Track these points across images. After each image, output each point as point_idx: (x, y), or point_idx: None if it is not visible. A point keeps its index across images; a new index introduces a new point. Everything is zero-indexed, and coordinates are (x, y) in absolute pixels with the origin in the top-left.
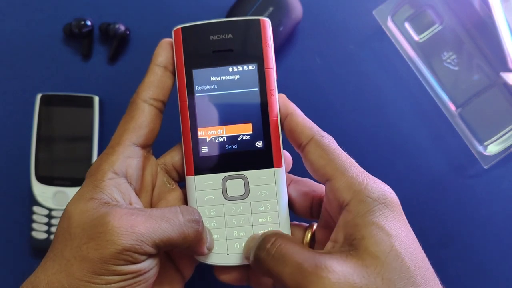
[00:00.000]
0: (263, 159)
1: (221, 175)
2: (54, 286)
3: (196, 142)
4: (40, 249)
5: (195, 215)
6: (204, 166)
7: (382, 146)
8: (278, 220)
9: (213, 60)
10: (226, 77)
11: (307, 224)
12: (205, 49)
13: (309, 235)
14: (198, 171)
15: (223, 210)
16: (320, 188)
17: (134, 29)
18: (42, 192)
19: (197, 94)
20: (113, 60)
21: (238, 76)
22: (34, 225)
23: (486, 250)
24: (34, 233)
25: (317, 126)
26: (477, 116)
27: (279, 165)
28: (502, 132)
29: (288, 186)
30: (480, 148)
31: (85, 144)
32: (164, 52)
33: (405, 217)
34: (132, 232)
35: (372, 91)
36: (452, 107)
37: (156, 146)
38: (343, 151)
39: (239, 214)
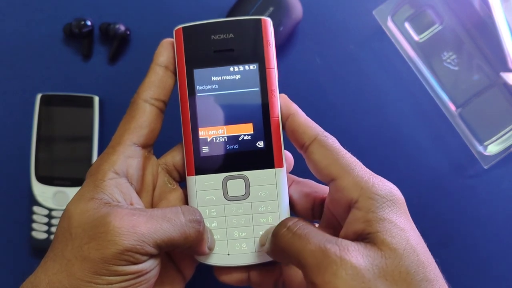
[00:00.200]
0: (264, 159)
1: (221, 175)
2: (54, 286)
3: (197, 142)
4: (40, 249)
5: (197, 215)
6: (205, 166)
7: (382, 146)
8: (279, 220)
9: (214, 59)
10: (227, 77)
11: None
12: (206, 49)
13: None
14: (199, 171)
15: (224, 210)
16: (322, 189)
17: (134, 29)
18: (42, 192)
19: (198, 94)
20: (113, 60)
21: (239, 76)
22: (34, 225)
23: (486, 250)
24: (34, 233)
25: (319, 127)
26: (477, 116)
27: (280, 166)
28: (502, 132)
29: (289, 186)
30: (480, 148)
31: (85, 144)
32: (165, 51)
33: (409, 215)
34: (134, 232)
35: (372, 91)
36: (452, 107)
37: (157, 146)
38: (346, 151)
39: (239, 214)
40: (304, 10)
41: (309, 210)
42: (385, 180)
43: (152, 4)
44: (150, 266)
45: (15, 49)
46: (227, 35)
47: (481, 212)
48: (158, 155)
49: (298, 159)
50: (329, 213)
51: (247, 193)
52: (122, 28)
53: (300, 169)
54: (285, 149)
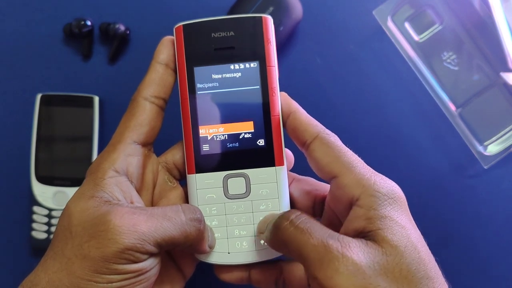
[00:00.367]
0: (265, 158)
1: (222, 174)
2: (55, 284)
3: (197, 140)
4: (40, 249)
5: (197, 213)
6: (205, 164)
7: (382, 146)
8: None
9: (215, 57)
10: (227, 75)
11: None
12: (207, 47)
13: None
14: (199, 169)
15: (224, 208)
16: (323, 186)
17: (134, 29)
18: (42, 192)
19: (198, 92)
20: (113, 60)
21: (239, 74)
22: (34, 225)
23: (486, 249)
24: (34, 233)
25: (321, 124)
26: (477, 116)
27: (281, 164)
28: (502, 132)
29: (290, 184)
30: (480, 148)
31: (85, 144)
32: (166, 49)
33: (410, 213)
34: (134, 231)
35: (372, 91)
36: (452, 107)
37: (157, 144)
38: (348, 149)
39: (240, 212)
40: (304, 10)
41: (310, 208)
42: (387, 178)
43: (152, 4)
44: (150, 264)
45: (15, 49)
46: (228, 33)
47: (481, 212)
48: (158, 153)
49: (298, 157)
50: (329, 211)
51: (248, 191)
52: (122, 28)
53: (300, 167)
54: (285, 147)
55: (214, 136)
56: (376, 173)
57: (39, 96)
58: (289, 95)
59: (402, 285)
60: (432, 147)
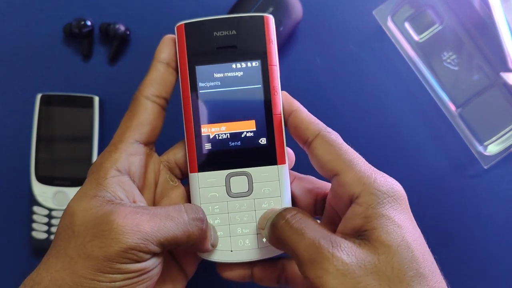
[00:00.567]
0: (267, 156)
1: (224, 172)
2: (57, 283)
3: (199, 139)
4: (40, 249)
5: (200, 213)
6: (208, 163)
7: (382, 146)
8: None
9: (217, 56)
10: (229, 74)
11: None
12: (209, 46)
13: None
14: (202, 168)
15: (227, 207)
16: (324, 185)
17: (134, 29)
18: (42, 192)
19: (200, 91)
20: (113, 60)
21: (241, 73)
22: (34, 225)
23: (486, 249)
24: (34, 233)
25: (322, 123)
26: (477, 116)
27: (283, 162)
28: (502, 132)
29: (291, 183)
30: (480, 148)
31: (85, 144)
32: (167, 48)
33: (411, 212)
34: (137, 230)
35: (372, 91)
36: (452, 107)
37: (158, 143)
38: (349, 146)
39: (242, 211)
40: (304, 10)
41: (311, 206)
42: (388, 176)
43: (152, 4)
44: (153, 264)
45: (15, 49)
46: (230, 31)
47: (481, 212)
48: (159, 152)
49: (299, 156)
50: (330, 209)
51: (250, 189)
52: (122, 28)
53: (301, 166)
54: (286, 146)
55: (216, 135)
56: (377, 171)
57: (39, 96)
58: (289, 94)
59: (394, 283)
60: (432, 147)
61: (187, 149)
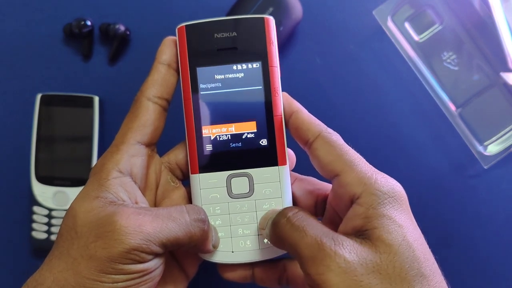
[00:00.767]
0: (268, 157)
1: (225, 173)
2: (60, 283)
3: (200, 140)
4: (40, 249)
5: (201, 214)
6: (209, 164)
7: (382, 146)
8: None
9: (218, 58)
10: (230, 75)
11: None
12: (210, 47)
13: None
14: (203, 169)
15: (228, 208)
16: (325, 186)
17: (134, 29)
18: (42, 192)
19: (201, 92)
20: (113, 60)
21: (242, 74)
22: (34, 225)
23: (487, 250)
24: (34, 233)
25: (323, 123)
26: (477, 116)
27: (284, 163)
28: (502, 132)
29: (292, 184)
30: (480, 148)
31: (85, 144)
32: (168, 49)
33: (411, 212)
34: (140, 231)
35: (372, 91)
36: (452, 107)
37: (159, 144)
38: (350, 147)
39: (243, 212)
40: (304, 10)
41: (312, 207)
42: (388, 177)
43: (152, 4)
44: (155, 265)
45: (15, 49)
46: (231, 33)
47: (481, 212)
48: (160, 154)
49: (300, 157)
50: (331, 210)
51: (251, 190)
52: (122, 28)
53: (302, 167)
54: (287, 147)
55: (217, 136)
56: (378, 171)
57: (39, 96)
58: (289, 95)
59: (395, 282)
60: (432, 147)
61: (188, 150)
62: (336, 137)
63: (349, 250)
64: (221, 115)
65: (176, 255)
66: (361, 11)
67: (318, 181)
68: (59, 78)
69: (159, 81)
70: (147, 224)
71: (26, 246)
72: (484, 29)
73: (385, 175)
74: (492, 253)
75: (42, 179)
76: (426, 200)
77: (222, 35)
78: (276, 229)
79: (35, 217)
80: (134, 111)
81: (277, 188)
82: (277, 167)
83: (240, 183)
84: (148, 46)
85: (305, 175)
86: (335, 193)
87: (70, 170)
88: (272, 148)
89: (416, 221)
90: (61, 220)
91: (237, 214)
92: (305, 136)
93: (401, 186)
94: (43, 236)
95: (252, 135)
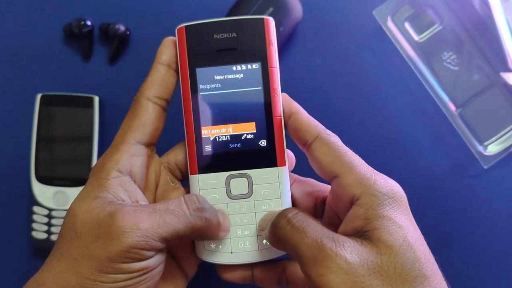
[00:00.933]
0: (267, 158)
1: (225, 174)
2: (60, 284)
3: (199, 141)
4: (40, 249)
5: (200, 203)
6: (208, 165)
7: (382, 146)
8: None
9: (217, 58)
10: (229, 76)
11: None
12: (209, 48)
13: None
14: (202, 170)
15: (227, 208)
16: (324, 187)
17: (134, 29)
18: (42, 192)
19: (200, 93)
20: (113, 60)
21: (241, 75)
22: (34, 225)
23: (487, 250)
24: (34, 233)
25: (321, 125)
26: (477, 116)
27: (283, 164)
28: (502, 132)
29: (291, 185)
30: (480, 148)
31: (85, 144)
32: (168, 50)
33: (411, 213)
34: (137, 229)
35: (372, 91)
36: (452, 107)
37: (158, 144)
38: (348, 148)
39: (242, 212)
40: (304, 10)
41: (311, 209)
42: (387, 178)
43: (152, 4)
44: (156, 263)
45: (15, 49)
46: (230, 34)
47: (481, 212)
48: (159, 154)
49: (300, 158)
50: (330, 211)
51: (250, 191)
52: (122, 28)
53: (301, 169)
54: (286, 148)
55: (217, 137)
56: (377, 172)
57: (39, 96)
58: (289, 95)
59: (396, 283)
60: (432, 147)
61: (187, 150)
62: (334, 139)
63: (350, 251)
64: (221, 116)
65: (175, 255)
66: (361, 11)
67: (317, 182)
68: (59, 78)
69: (159, 81)
70: (144, 220)
71: (26, 246)
72: (484, 29)
73: (384, 176)
74: (492, 253)
75: (42, 179)
76: (426, 200)
77: (222, 35)
78: (276, 230)
79: (35, 217)
80: (134, 111)
81: (276, 189)
82: (276, 168)
83: (239, 184)
84: (148, 46)
85: (304, 176)
86: (334, 194)
87: (70, 170)
88: (271, 149)
89: (416, 221)
90: (61, 220)
91: (236, 215)
92: (303, 137)
93: (400, 187)
94: (43, 236)
95: (252, 136)
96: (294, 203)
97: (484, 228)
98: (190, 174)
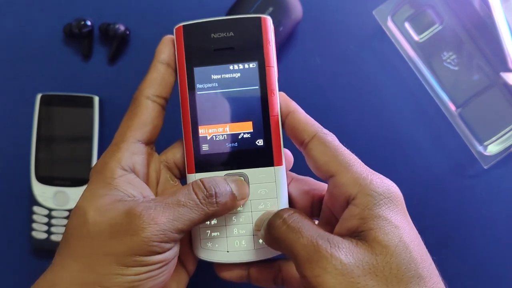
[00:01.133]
0: (264, 158)
1: (221, 173)
2: (78, 282)
3: (197, 140)
4: (40, 249)
5: (208, 189)
6: (205, 164)
7: (382, 146)
8: None
9: (214, 58)
10: (227, 75)
11: None
12: (206, 47)
13: None
14: (199, 169)
15: None
16: (321, 186)
17: (134, 29)
18: (42, 192)
19: (198, 92)
20: (113, 60)
21: (239, 74)
22: (34, 225)
23: (486, 250)
24: (34, 233)
25: (319, 124)
26: (477, 116)
27: (280, 164)
28: (502, 132)
29: (289, 184)
30: (480, 148)
31: (85, 144)
32: (167, 48)
33: (407, 213)
34: (155, 224)
35: (372, 91)
36: (452, 107)
37: (156, 142)
38: (345, 148)
39: (239, 212)
40: (304, 10)
41: (308, 208)
42: (384, 177)
43: (152, 5)
44: (173, 254)
45: (15, 49)
46: (227, 33)
47: (481, 212)
48: (157, 152)
49: (298, 157)
50: (327, 210)
51: None
52: (122, 28)
53: (300, 167)
54: (284, 147)
55: (214, 136)
56: (373, 172)
57: (39, 96)
58: (289, 95)
59: (392, 284)
60: (432, 147)
61: (185, 150)
62: (331, 138)
63: (345, 252)
64: (218, 115)
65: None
66: (361, 11)
67: (315, 181)
68: (59, 78)
69: (158, 80)
70: (160, 215)
71: (26, 246)
72: (484, 29)
73: (381, 176)
74: (491, 253)
75: (42, 179)
76: (425, 200)
77: (219, 35)
78: (272, 230)
79: (35, 217)
80: (133, 109)
81: (272, 189)
82: (272, 167)
83: None
84: (147, 46)
85: (303, 175)
86: (330, 193)
87: (70, 170)
88: (268, 148)
89: (416, 221)
90: (61, 220)
91: (232, 214)
92: (300, 136)
93: (396, 187)
94: (43, 236)
95: (248, 135)
96: (291, 202)
97: (484, 228)
98: (188, 173)
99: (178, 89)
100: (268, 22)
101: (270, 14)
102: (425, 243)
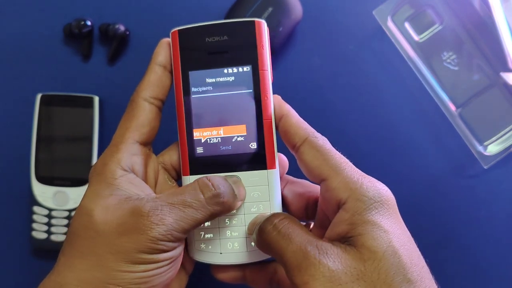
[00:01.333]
0: (257, 161)
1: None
2: (88, 281)
3: (191, 142)
4: (40, 249)
5: (216, 188)
6: (199, 166)
7: (382, 146)
8: None
9: (209, 62)
10: (221, 79)
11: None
12: (201, 51)
13: None
14: (194, 171)
15: None
16: (316, 188)
17: (133, 29)
18: (42, 192)
19: (193, 96)
20: (113, 60)
21: (233, 78)
22: (34, 225)
23: (486, 250)
24: (34, 233)
25: (311, 127)
26: (477, 116)
27: (273, 167)
28: (502, 132)
29: (284, 187)
30: (480, 148)
31: (85, 144)
32: (164, 51)
33: (400, 216)
34: (162, 224)
35: (372, 91)
36: (452, 107)
37: (152, 143)
38: (337, 151)
39: (232, 214)
40: (304, 10)
41: (303, 210)
42: (375, 181)
43: (152, 5)
44: (180, 252)
45: (15, 49)
46: (222, 37)
47: (481, 212)
48: (154, 153)
49: (293, 160)
50: (321, 213)
51: None
52: (122, 28)
53: (296, 170)
54: (281, 151)
55: (208, 139)
56: (365, 175)
57: (39, 96)
58: (288, 96)
59: None
60: (432, 147)
61: (180, 152)
62: (322, 142)
63: (333, 259)
64: (212, 118)
65: None
66: (361, 11)
67: (310, 183)
68: (59, 78)
69: (155, 82)
70: (167, 216)
71: (26, 246)
72: (484, 29)
73: (372, 179)
74: (491, 253)
75: (42, 179)
76: (425, 200)
77: (213, 39)
78: (263, 235)
79: (35, 217)
80: (131, 111)
81: (265, 192)
82: (265, 170)
83: None
84: (147, 46)
85: (299, 178)
86: (323, 197)
87: (70, 170)
88: (261, 151)
89: (415, 221)
90: (61, 220)
91: (225, 216)
92: (292, 140)
93: (388, 190)
94: (43, 236)
95: (242, 139)
96: (286, 204)
97: (484, 228)
98: (183, 175)
99: (174, 92)
100: (263, 26)
101: (270, 14)
102: (425, 243)
